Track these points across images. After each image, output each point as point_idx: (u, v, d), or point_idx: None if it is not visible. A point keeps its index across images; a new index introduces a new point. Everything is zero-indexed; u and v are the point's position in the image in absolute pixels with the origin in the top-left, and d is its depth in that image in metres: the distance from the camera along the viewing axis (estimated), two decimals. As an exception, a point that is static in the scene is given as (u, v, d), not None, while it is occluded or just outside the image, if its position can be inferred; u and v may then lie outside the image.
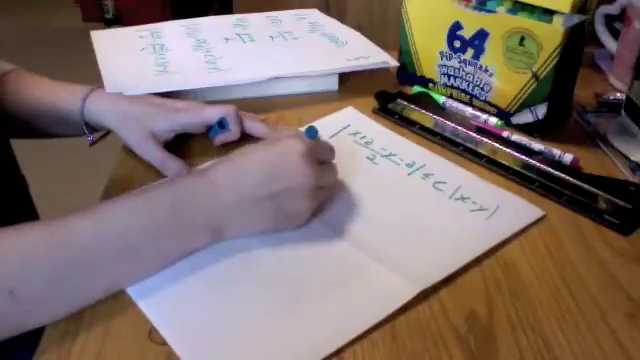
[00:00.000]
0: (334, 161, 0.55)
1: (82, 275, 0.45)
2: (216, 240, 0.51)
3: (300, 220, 0.53)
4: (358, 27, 0.88)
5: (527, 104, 0.68)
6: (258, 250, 0.51)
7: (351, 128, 0.70)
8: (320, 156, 0.53)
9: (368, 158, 0.64)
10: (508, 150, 0.65)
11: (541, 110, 0.68)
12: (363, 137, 0.68)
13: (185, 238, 0.49)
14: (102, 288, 0.46)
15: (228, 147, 0.65)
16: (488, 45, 0.69)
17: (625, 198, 0.58)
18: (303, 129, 0.54)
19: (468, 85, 0.74)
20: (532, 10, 0.65)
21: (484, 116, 0.72)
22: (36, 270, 0.43)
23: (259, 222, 0.51)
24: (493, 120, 0.71)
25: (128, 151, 0.64)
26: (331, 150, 0.55)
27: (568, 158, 0.64)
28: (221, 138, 0.65)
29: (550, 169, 0.62)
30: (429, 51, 0.76)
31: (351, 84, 0.80)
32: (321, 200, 0.54)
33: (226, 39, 0.84)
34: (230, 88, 0.74)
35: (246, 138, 0.66)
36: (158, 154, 0.61)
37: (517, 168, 0.63)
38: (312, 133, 0.53)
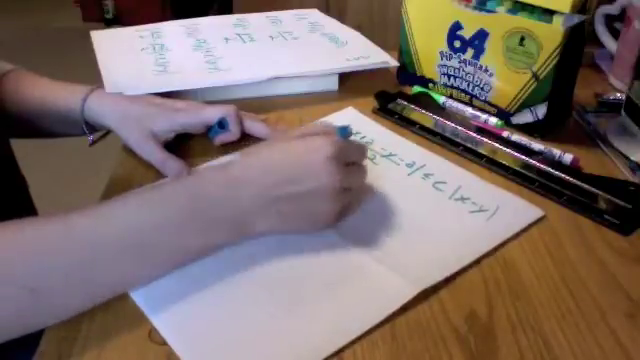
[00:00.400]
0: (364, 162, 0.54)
1: (99, 272, 0.45)
2: (242, 235, 0.50)
3: (325, 222, 0.51)
4: (358, 27, 0.88)
5: (527, 104, 0.68)
6: (258, 250, 0.51)
7: (351, 128, 0.70)
8: (349, 157, 0.51)
9: (368, 158, 0.64)
10: (508, 150, 0.65)
11: (541, 110, 0.68)
12: (363, 137, 0.68)
13: (205, 233, 0.48)
14: (121, 284, 0.46)
15: (228, 147, 0.65)
16: (488, 45, 0.69)
17: (625, 198, 0.58)
18: (336, 126, 0.52)
19: (468, 85, 0.74)
20: (532, 10, 0.65)
21: (484, 116, 0.72)
22: (53, 267, 0.43)
23: (281, 221, 0.50)
24: (493, 120, 0.71)
25: (128, 151, 0.64)
26: (362, 151, 0.53)
27: (568, 158, 0.64)
28: (221, 138, 0.65)
29: (550, 169, 0.62)
30: (429, 51, 0.76)
31: (351, 84, 0.80)
32: (347, 202, 0.53)
33: (226, 39, 0.84)
34: (230, 88, 0.74)
35: (246, 138, 0.66)
36: (158, 154, 0.61)
37: (517, 168, 0.63)
38: (344, 132, 0.51)
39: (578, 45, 0.65)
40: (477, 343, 0.44)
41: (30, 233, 0.44)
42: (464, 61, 0.73)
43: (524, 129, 0.70)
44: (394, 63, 0.79)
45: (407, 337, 0.44)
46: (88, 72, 0.86)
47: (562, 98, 0.70)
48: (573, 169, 0.63)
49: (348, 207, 0.54)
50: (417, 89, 0.79)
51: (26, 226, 0.45)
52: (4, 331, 0.43)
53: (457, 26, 0.71)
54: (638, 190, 0.59)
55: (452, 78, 0.75)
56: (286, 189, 0.48)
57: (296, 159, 0.49)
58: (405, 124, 0.71)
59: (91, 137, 0.68)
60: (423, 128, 0.70)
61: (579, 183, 0.60)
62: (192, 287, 0.48)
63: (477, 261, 0.51)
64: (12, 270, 0.42)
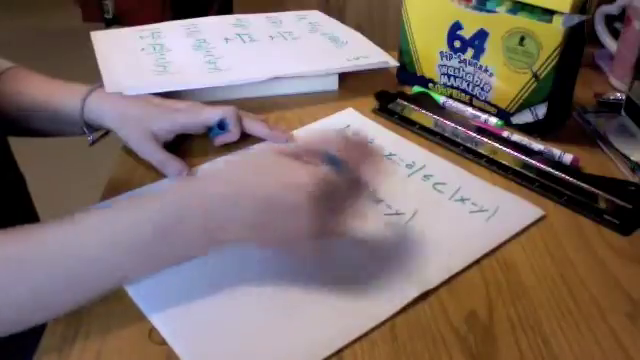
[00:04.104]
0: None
1: (66, 284, 0.44)
2: (213, 246, 0.47)
3: (300, 237, 0.46)
4: (358, 27, 0.88)
5: (527, 104, 0.68)
6: (258, 250, 0.51)
7: (351, 129, 0.70)
8: (335, 199, 0.46)
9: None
10: (508, 150, 0.65)
11: (541, 110, 0.68)
12: (363, 137, 0.68)
13: (175, 242, 0.45)
14: (84, 297, 0.45)
15: (228, 147, 0.65)
16: (488, 45, 0.69)
17: (625, 198, 0.58)
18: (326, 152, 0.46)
19: (468, 85, 0.74)
20: (532, 10, 0.65)
21: (484, 116, 0.72)
22: (20, 279, 0.43)
23: (252, 233, 0.46)
24: (493, 120, 0.71)
25: (128, 151, 0.64)
26: (354, 194, 0.47)
27: (568, 158, 0.64)
28: (221, 139, 0.65)
29: (550, 169, 0.62)
30: (429, 51, 0.76)
31: (351, 84, 0.80)
32: (328, 236, 0.48)
33: (226, 39, 0.84)
34: (230, 88, 0.74)
35: (246, 138, 0.66)
36: (158, 154, 0.61)
37: (517, 168, 0.63)
38: (333, 161, 0.45)
39: (578, 45, 0.65)
40: (477, 343, 0.44)
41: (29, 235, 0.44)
42: (464, 61, 0.73)
43: (524, 129, 0.70)
44: (394, 63, 0.79)
45: (407, 337, 0.44)
46: (88, 72, 0.86)
47: (562, 98, 0.70)
48: (573, 169, 0.63)
49: (334, 227, 0.48)
50: (417, 89, 0.79)
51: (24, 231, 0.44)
52: None
53: (457, 26, 0.71)
54: (638, 190, 0.59)
55: (452, 78, 0.75)
56: (261, 217, 0.45)
57: (275, 190, 0.44)
58: (405, 124, 0.71)
59: (91, 137, 0.68)
60: (423, 128, 0.70)
61: (579, 183, 0.60)
62: (192, 287, 0.48)
63: (477, 261, 0.51)
64: None
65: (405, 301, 0.46)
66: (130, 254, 0.45)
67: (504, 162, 0.64)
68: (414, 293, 0.47)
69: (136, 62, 0.76)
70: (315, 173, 0.44)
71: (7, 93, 0.68)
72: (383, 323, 0.45)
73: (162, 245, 0.45)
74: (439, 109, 0.74)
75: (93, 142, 0.68)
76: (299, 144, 0.50)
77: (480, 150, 0.66)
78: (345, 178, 0.46)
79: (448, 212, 0.57)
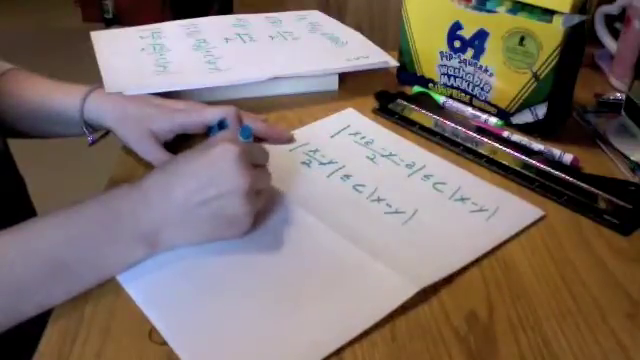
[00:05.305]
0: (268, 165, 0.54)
1: (12, 293, 0.45)
2: (152, 251, 0.49)
3: (240, 226, 0.51)
4: (358, 27, 0.88)
5: (527, 104, 0.68)
6: (258, 250, 0.51)
7: (351, 129, 0.70)
8: (255, 159, 0.51)
9: (368, 158, 0.64)
10: (508, 150, 0.65)
11: (541, 110, 0.68)
12: (363, 137, 0.68)
13: (120, 247, 0.48)
14: (34, 306, 0.46)
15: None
16: (488, 45, 0.69)
17: (625, 198, 0.58)
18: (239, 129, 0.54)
19: (468, 85, 0.74)
20: (532, 10, 0.65)
21: (484, 116, 0.72)
22: None
23: (196, 230, 0.50)
24: (493, 120, 0.71)
25: (128, 151, 0.64)
26: (265, 154, 0.54)
27: (568, 158, 0.64)
28: (221, 139, 0.65)
29: (550, 169, 0.62)
30: (429, 51, 0.76)
31: (351, 84, 0.80)
32: (260, 206, 0.53)
33: (226, 39, 0.84)
34: (230, 88, 0.74)
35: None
36: (158, 154, 0.61)
37: (517, 168, 0.63)
38: (246, 134, 0.53)
39: (578, 45, 0.65)
40: (477, 343, 0.44)
41: None
42: (464, 61, 0.73)
43: (524, 129, 0.70)
44: (394, 63, 0.79)
45: (407, 337, 0.44)
46: (88, 72, 0.86)
47: (562, 98, 0.70)
48: (573, 169, 0.63)
49: (260, 211, 0.53)
50: (417, 89, 0.79)
51: None
52: None
53: (457, 26, 0.71)
54: (638, 190, 0.59)
55: (452, 78, 0.75)
56: (197, 197, 0.48)
57: (205, 167, 0.49)
58: (405, 124, 0.71)
59: (91, 137, 0.67)
60: (423, 128, 0.70)
61: (579, 183, 0.60)
62: (192, 287, 0.48)
63: (477, 261, 0.51)
64: None
65: (404, 297, 0.46)
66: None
67: (504, 162, 0.64)
68: (413, 290, 0.47)
69: (136, 62, 0.76)
70: (232, 143, 0.49)
71: (7, 95, 0.68)
72: (383, 323, 0.45)
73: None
74: (439, 109, 0.74)
75: (93, 142, 0.68)
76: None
77: (480, 150, 0.66)
78: (256, 145, 0.54)
79: (448, 212, 0.57)
